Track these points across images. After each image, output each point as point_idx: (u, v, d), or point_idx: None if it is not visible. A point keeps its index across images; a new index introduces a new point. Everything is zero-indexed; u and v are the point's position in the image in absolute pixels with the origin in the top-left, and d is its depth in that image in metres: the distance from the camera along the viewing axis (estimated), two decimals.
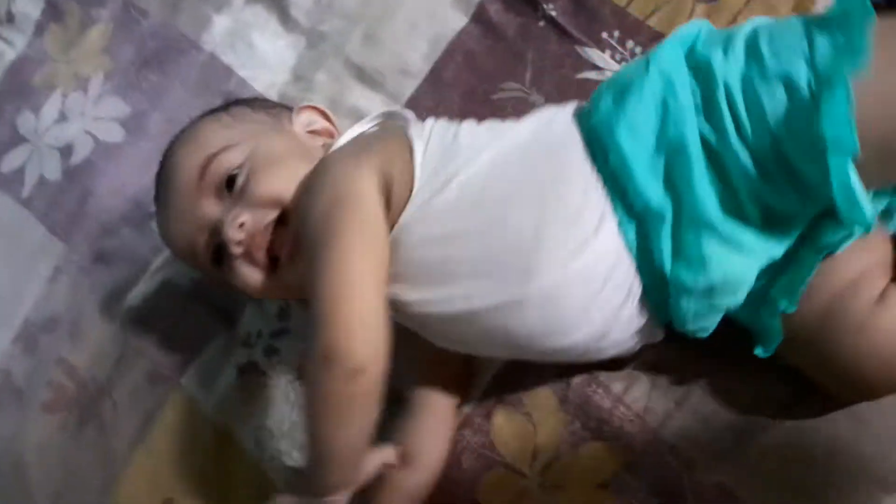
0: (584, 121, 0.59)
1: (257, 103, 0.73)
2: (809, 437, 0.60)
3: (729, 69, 0.52)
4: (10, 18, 1.03)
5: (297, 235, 0.61)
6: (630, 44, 0.72)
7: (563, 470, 0.66)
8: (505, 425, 0.69)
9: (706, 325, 0.58)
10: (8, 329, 0.93)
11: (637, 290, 0.57)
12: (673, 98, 0.53)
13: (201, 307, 0.83)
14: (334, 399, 0.53)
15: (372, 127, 0.67)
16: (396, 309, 0.59)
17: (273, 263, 0.64)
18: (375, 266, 0.55)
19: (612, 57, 0.72)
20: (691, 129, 0.53)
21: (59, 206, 0.93)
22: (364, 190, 0.57)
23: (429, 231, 0.58)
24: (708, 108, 0.53)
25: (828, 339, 0.55)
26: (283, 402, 0.76)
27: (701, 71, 0.53)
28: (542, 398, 0.67)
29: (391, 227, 0.58)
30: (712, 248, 0.54)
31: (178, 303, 0.83)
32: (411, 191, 0.59)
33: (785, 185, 0.52)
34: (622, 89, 0.56)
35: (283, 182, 0.63)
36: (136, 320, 0.85)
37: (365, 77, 0.81)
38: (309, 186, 0.60)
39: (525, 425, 0.68)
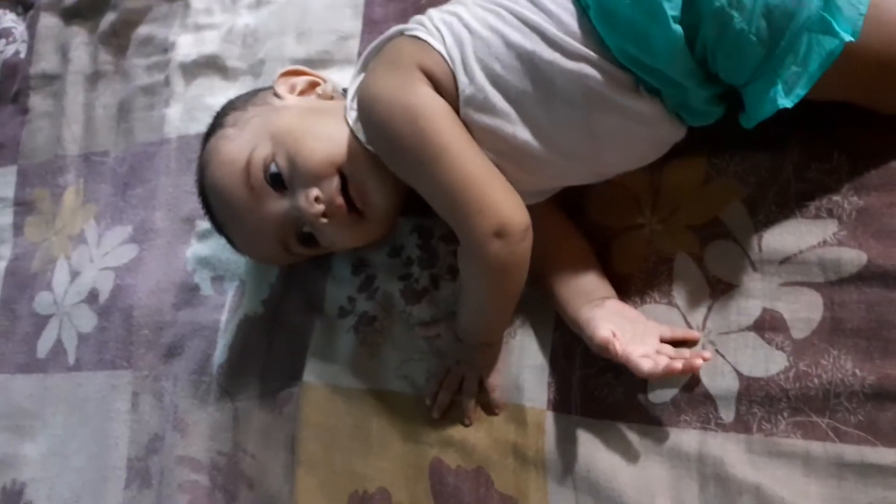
0: None
1: (239, 103, 0.75)
2: None
3: None
4: None
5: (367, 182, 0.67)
6: None
7: (669, 195, 0.69)
8: (598, 201, 0.72)
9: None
10: (116, 482, 0.89)
11: None
12: None
13: (284, 318, 0.83)
14: (517, 259, 0.63)
15: (372, 56, 0.69)
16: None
17: (358, 214, 0.69)
18: (475, 145, 0.62)
19: None
20: None
21: (107, 343, 0.93)
22: (423, 94, 0.62)
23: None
24: None
25: None
26: (408, 331, 0.76)
27: None
28: None
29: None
30: None
31: (261, 330, 0.83)
32: (452, 73, 0.62)
33: None
34: None
35: (322, 145, 0.67)
36: (231, 374, 0.84)
37: (315, 63, 0.90)
38: (375, 122, 0.63)
39: (611, 189, 0.71)
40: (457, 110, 0.63)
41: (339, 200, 0.67)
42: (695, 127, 0.65)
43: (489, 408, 0.72)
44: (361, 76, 0.69)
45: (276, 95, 0.75)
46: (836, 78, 0.56)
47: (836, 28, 0.54)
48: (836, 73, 0.55)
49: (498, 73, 0.61)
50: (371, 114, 0.63)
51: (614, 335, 0.61)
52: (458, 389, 0.73)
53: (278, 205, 0.69)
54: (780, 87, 0.56)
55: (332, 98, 0.75)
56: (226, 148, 0.71)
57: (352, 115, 0.68)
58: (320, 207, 0.67)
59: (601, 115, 0.61)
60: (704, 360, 0.63)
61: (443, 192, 0.63)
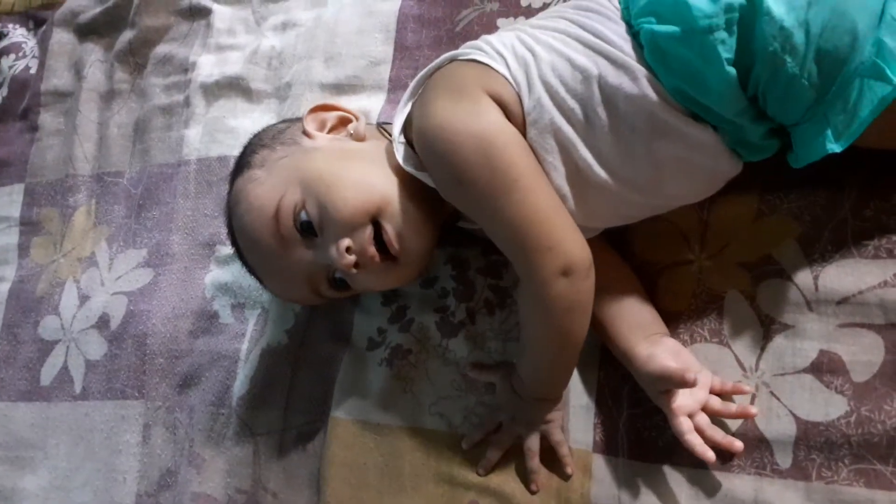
0: None
1: (267, 139, 0.72)
2: None
3: None
4: None
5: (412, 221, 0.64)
6: None
7: (718, 231, 0.68)
8: (644, 237, 0.70)
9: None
10: None
11: None
12: None
13: (309, 349, 0.80)
14: (581, 298, 0.61)
15: (421, 85, 0.67)
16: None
17: (392, 260, 0.65)
18: (545, 179, 0.61)
19: None
20: None
21: (118, 372, 0.89)
22: (495, 121, 0.60)
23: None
24: None
25: None
26: (443, 365, 0.73)
27: None
28: None
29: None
30: None
31: (285, 361, 0.80)
32: (520, 99, 0.61)
33: None
34: None
35: (355, 194, 0.64)
36: (252, 406, 0.80)
37: (344, 88, 0.88)
38: (441, 152, 0.60)
39: (657, 224, 0.69)
40: (523, 134, 0.61)
41: (372, 251, 0.64)
42: (748, 162, 0.63)
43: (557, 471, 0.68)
44: (409, 106, 0.67)
45: (306, 133, 0.70)
46: (887, 125, 0.55)
47: (889, 74, 0.53)
48: (887, 121, 0.54)
49: (562, 97, 0.60)
50: (435, 143, 0.60)
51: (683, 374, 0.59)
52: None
53: (309, 252, 0.66)
54: (829, 131, 0.55)
55: (363, 139, 0.70)
56: (255, 192, 0.68)
57: (399, 149, 0.65)
58: (352, 258, 0.64)
59: (663, 142, 0.59)
60: (750, 416, 0.62)
61: (510, 226, 0.60)
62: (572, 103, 0.60)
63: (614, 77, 0.59)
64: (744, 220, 0.67)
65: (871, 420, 0.59)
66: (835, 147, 0.55)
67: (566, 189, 0.62)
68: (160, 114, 0.99)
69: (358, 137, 0.70)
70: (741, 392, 0.63)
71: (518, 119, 0.61)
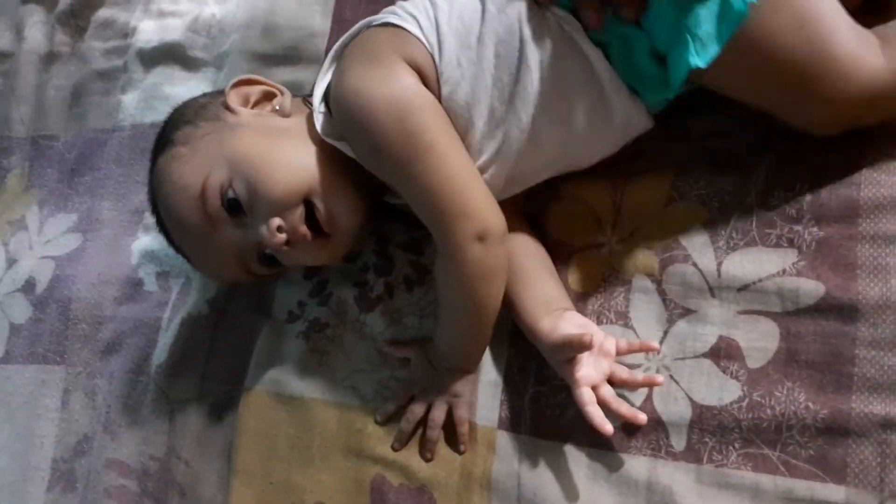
0: None
1: (189, 114, 0.70)
2: None
3: None
4: None
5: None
6: None
7: (629, 215, 0.68)
8: (559, 219, 0.71)
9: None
10: (38, 483, 0.84)
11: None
12: None
13: (230, 320, 0.80)
14: (497, 263, 0.62)
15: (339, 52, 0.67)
16: None
17: (324, 237, 0.65)
18: (460, 143, 0.61)
19: None
20: None
21: (41, 336, 0.88)
22: (409, 86, 0.60)
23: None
24: None
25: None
26: (360, 339, 0.74)
27: None
28: (585, 186, 0.70)
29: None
30: None
31: (205, 330, 0.80)
32: (433, 59, 0.61)
33: None
34: None
35: (285, 175, 0.63)
36: (170, 375, 0.80)
37: (280, 59, 0.87)
38: (356, 118, 0.60)
39: (573, 206, 0.70)
40: (438, 96, 0.61)
41: (303, 229, 0.64)
42: (660, 146, 0.64)
43: (454, 442, 0.68)
44: (329, 74, 0.66)
45: (229, 109, 0.68)
46: (737, 69, 0.57)
47: None
48: (735, 62, 0.56)
49: (464, 46, 0.61)
50: (351, 110, 0.60)
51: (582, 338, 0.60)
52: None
53: (237, 231, 0.65)
54: (693, 45, 0.56)
55: (289, 114, 0.69)
56: (178, 171, 0.66)
57: (319, 118, 0.65)
58: (283, 237, 0.63)
59: (560, 63, 0.60)
60: (657, 384, 0.62)
61: (426, 192, 0.60)
62: (486, 55, 0.60)
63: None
64: (654, 206, 0.67)
65: (761, 405, 0.60)
66: (697, 61, 0.56)
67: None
68: (98, 78, 0.98)
69: (284, 113, 0.69)
70: (649, 349, 0.63)
71: (433, 82, 0.61)
